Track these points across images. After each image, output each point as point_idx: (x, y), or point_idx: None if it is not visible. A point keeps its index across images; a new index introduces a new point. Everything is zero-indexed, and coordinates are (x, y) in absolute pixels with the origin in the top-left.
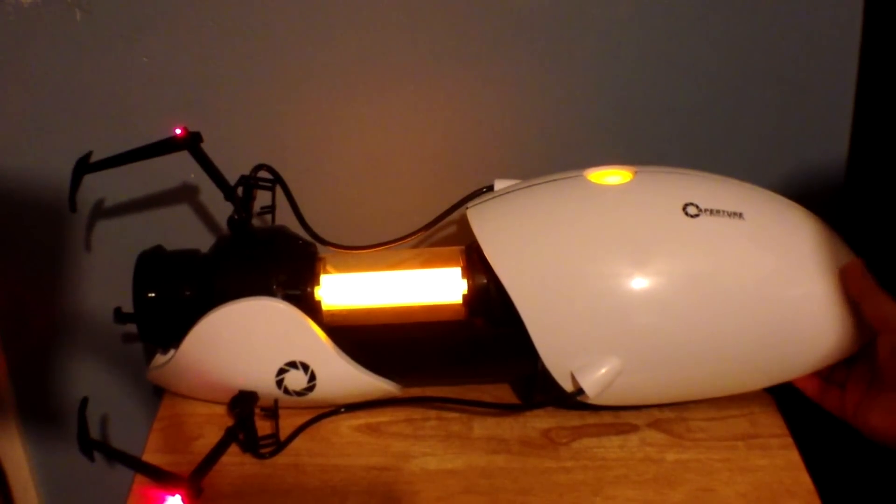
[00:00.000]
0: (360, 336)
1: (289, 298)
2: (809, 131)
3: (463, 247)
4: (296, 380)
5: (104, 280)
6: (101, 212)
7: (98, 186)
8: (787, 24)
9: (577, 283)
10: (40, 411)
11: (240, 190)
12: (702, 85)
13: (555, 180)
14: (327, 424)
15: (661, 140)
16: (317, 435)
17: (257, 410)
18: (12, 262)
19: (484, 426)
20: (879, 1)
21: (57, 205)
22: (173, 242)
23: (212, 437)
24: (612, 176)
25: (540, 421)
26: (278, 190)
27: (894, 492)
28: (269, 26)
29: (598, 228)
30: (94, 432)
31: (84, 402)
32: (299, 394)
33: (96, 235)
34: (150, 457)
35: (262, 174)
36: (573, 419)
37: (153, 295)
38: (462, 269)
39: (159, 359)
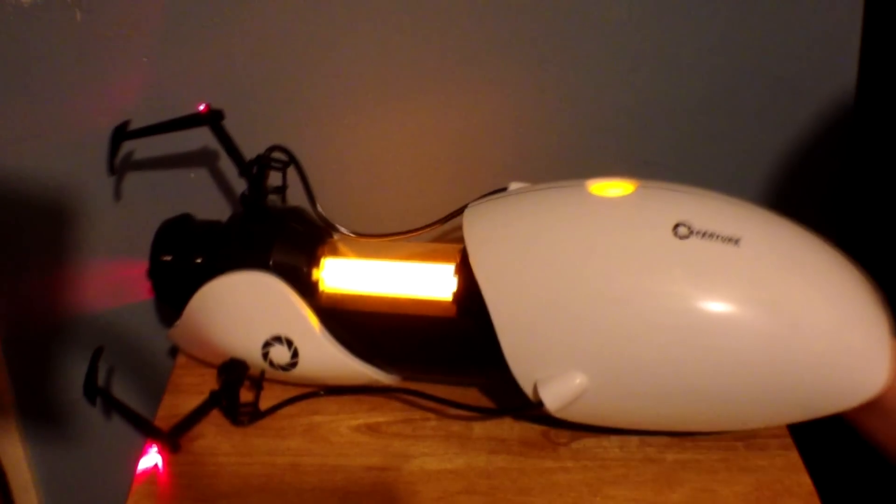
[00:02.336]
0: (353, 322)
1: (286, 275)
2: (810, 131)
3: (462, 245)
4: (280, 354)
5: (104, 280)
6: (102, 211)
7: (98, 187)
8: (788, 24)
9: (552, 290)
10: (40, 411)
11: (255, 168)
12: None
13: (555, 188)
14: (327, 424)
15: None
16: (317, 435)
17: (245, 382)
18: (12, 262)
19: (484, 426)
20: (879, 1)
21: (57, 204)
22: (204, 214)
23: (212, 436)
24: (612, 188)
25: (540, 421)
26: (293, 171)
27: (894, 492)
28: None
29: (583, 239)
30: (95, 432)
31: (98, 351)
32: (283, 368)
33: (97, 235)
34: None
35: (278, 155)
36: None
37: (167, 259)
38: (455, 267)
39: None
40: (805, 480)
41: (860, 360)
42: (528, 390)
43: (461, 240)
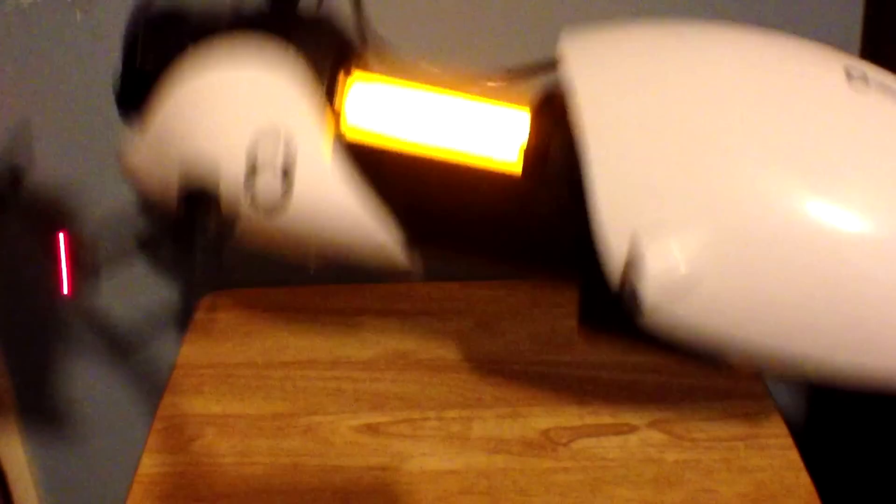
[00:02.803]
0: (378, 170)
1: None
2: None
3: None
4: (267, 186)
5: (104, 280)
6: (102, 211)
7: (98, 187)
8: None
9: (683, 132)
10: (40, 411)
11: None
12: None
13: (685, 24)
14: (327, 424)
15: None
16: (317, 435)
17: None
18: (12, 262)
19: (484, 426)
20: (879, 1)
21: (57, 204)
22: None
23: (211, 437)
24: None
25: (539, 421)
26: None
27: (894, 492)
28: None
29: (730, 80)
30: (95, 432)
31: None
32: (267, 210)
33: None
34: (149, 457)
35: None
36: (573, 419)
37: (148, 67)
38: (532, 116)
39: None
40: (805, 480)
41: None
42: (617, 258)
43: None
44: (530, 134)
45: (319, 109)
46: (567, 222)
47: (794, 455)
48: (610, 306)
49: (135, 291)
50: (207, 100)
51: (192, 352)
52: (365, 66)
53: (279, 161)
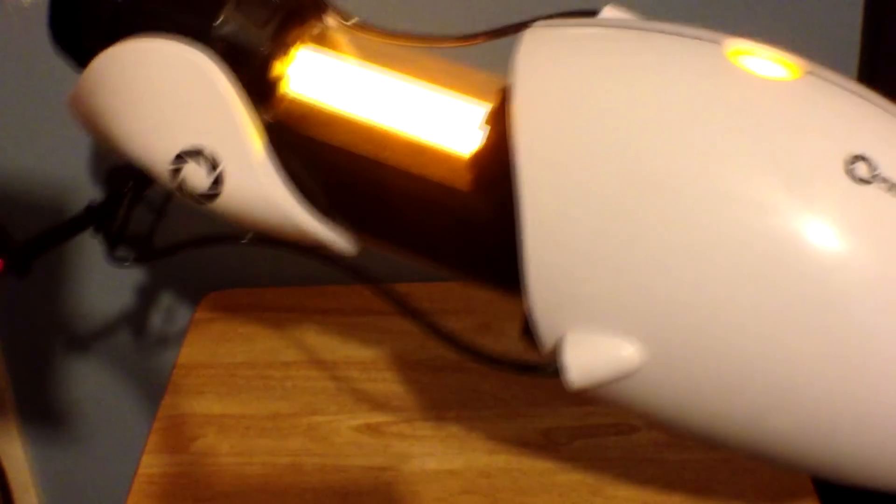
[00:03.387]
0: (316, 152)
1: (231, 58)
2: None
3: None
4: (196, 177)
5: (104, 280)
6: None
7: (98, 187)
8: (789, 24)
9: (637, 193)
10: (40, 411)
11: None
12: None
13: (674, 35)
14: (327, 424)
15: None
16: (317, 435)
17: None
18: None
19: (484, 426)
20: (880, 1)
21: (57, 204)
22: None
23: (211, 437)
24: (765, 64)
25: (540, 421)
26: None
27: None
28: None
29: (703, 134)
30: (95, 432)
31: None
32: (197, 200)
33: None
34: (149, 457)
35: None
36: (573, 419)
37: None
38: (489, 113)
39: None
40: (805, 480)
41: None
42: (548, 341)
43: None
44: (486, 136)
45: (256, 89)
46: (509, 239)
47: None
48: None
49: (135, 291)
50: (134, 74)
51: (192, 352)
52: (317, 29)
53: (207, 151)
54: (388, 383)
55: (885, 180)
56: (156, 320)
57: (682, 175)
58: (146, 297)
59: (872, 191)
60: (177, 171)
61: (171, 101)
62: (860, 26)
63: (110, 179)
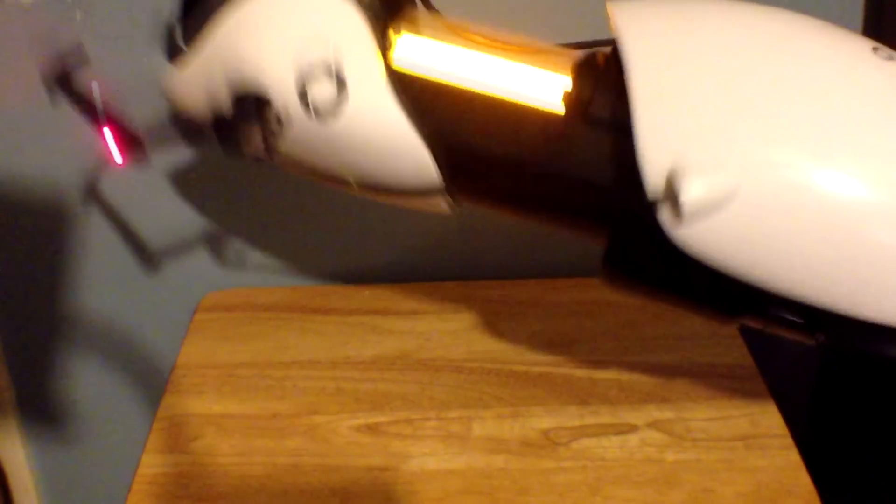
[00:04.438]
0: (427, 103)
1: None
2: None
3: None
4: (322, 92)
5: (104, 280)
6: (101, 213)
7: (98, 187)
8: None
9: (728, 72)
10: (40, 411)
11: None
12: None
13: None
14: (327, 424)
15: None
16: (317, 435)
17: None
18: (12, 262)
19: (483, 426)
20: (880, 1)
21: (57, 204)
22: None
23: (211, 437)
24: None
25: (539, 421)
26: None
27: (894, 492)
28: None
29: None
30: (95, 432)
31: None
32: (318, 113)
33: (96, 236)
34: (149, 457)
35: None
36: (573, 419)
37: None
38: (575, 69)
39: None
40: (805, 480)
41: None
42: (657, 176)
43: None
44: (573, 81)
45: (371, 28)
46: (605, 166)
47: (794, 455)
48: (641, 237)
49: (135, 291)
50: (258, 16)
51: (192, 352)
52: (412, 21)
53: (333, 67)
54: (388, 383)
55: None
56: (156, 320)
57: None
58: (146, 296)
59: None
60: (305, 92)
61: (308, 23)
62: (860, 26)
63: (235, 105)
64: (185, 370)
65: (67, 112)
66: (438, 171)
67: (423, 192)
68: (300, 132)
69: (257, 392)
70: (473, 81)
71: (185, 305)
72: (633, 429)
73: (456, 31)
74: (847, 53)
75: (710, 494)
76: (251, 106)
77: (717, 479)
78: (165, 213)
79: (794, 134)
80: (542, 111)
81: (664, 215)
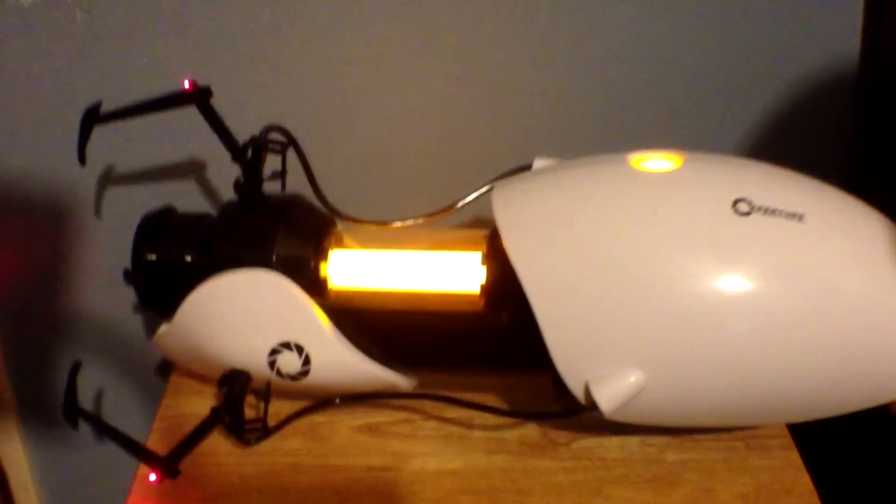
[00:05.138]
0: (366, 320)
1: (291, 272)
2: (811, 131)
3: (488, 231)
4: (289, 362)
5: (104, 280)
6: (100, 214)
7: (98, 187)
8: (789, 25)
9: (604, 280)
10: (40, 411)
11: (249, 152)
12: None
13: (593, 163)
14: (327, 424)
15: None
16: (317, 435)
17: (250, 393)
18: (12, 262)
19: (484, 426)
20: (880, 1)
21: (57, 205)
22: (186, 206)
23: (212, 437)
24: (658, 161)
25: (540, 421)
26: (292, 155)
27: (894, 492)
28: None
29: (634, 219)
30: (95, 432)
31: (76, 366)
32: (293, 378)
33: (96, 236)
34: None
35: (275, 136)
36: (573, 419)
37: (152, 258)
38: (483, 255)
39: (163, 326)
40: (805, 480)
41: None
42: (578, 391)
43: (481, 225)
44: (486, 274)
45: (310, 287)
46: (527, 334)
47: (794, 455)
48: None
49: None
50: (222, 302)
51: None
52: (337, 234)
53: (292, 343)
54: None
55: (761, 209)
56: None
57: (632, 258)
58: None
59: (754, 218)
60: (273, 363)
61: (259, 313)
62: (860, 26)
63: (224, 384)
64: (185, 370)
65: (67, 112)
66: (389, 370)
67: (385, 385)
68: (281, 386)
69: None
70: (402, 282)
71: None
72: (633, 429)
73: (377, 235)
74: (707, 213)
75: (710, 494)
76: (235, 381)
77: (717, 479)
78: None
79: (677, 319)
80: (461, 310)
81: (596, 410)
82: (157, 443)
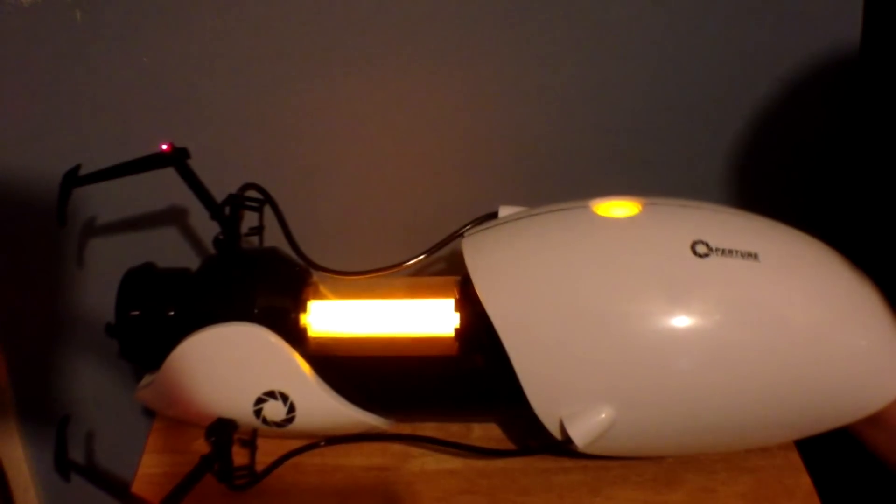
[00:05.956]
0: (346, 367)
1: (272, 324)
2: (809, 132)
3: (459, 277)
4: (275, 410)
5: (104, 281)
6: (100, 215)
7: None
8: (789, 25)
9: (572, 322)
10: (40, 411)
11: (227, 209)
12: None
13: (557, 210)
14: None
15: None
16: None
17: (236, 440)
18: (12, 263)
19: (483, 427)
20: (880, 1)
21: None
22: (168, 260)
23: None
24: (618, 208)
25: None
26: (269, 211)
27: (894, 492)
28: (268, 34)
29: (598, 264)
30: (95, 432)
31: (65, 420)
32: (279, 425)
33: (95, 237)
34: (149, 457)
35: (252, 193)
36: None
37: (136, 313)
38: (455, 302)
39: (146, 379)
40: (805, 480)
41: (873, 372)
42: (553, 427)
43: (452, 272)
44: (460, 319)
45: (291, 337)
46: (501, 374)
47: (794, 455)
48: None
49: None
50: (207, 355)
51: None
52: (314, 285)
53: (277, 392)
54: None
55: (719, 250)
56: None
57: (598, 300)
58: None
59: (713, 259)
60: (259, 411)
61: (243, 364)
62: (860, 26)
63: (212, 433)
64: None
65: (67, 112)
66: (370, 413)
67: (367, 427)
68: (269, 433)
69: None
70: (377, 326)
71: None
72: None
73: (353, 285)
74: (668, 256)
75: (710, 494)
76: (223, 430)
77: (717, 479)
78: (166, 214)
79: (642, 357)
80: (437, 354)
81: (570, 444)
82: (156, 443)
